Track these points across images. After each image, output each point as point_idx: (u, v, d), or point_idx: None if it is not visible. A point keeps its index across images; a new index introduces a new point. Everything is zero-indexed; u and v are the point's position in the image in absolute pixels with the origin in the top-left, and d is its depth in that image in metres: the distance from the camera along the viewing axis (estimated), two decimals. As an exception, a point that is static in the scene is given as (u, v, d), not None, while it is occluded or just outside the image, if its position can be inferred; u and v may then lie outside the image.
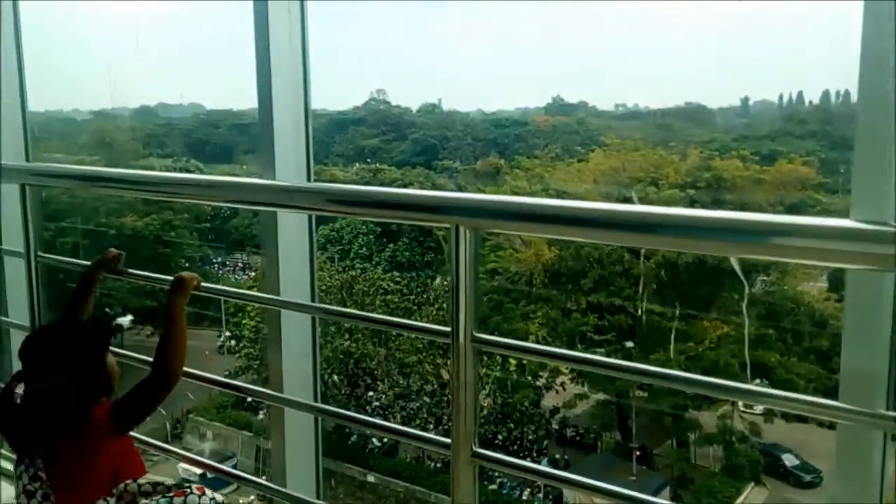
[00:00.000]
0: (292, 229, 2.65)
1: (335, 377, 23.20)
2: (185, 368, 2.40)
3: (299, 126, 2.55)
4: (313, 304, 2.50)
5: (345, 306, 22.93)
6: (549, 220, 1.91)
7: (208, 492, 2.24)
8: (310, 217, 2.65)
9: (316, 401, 2.75)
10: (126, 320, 25.91)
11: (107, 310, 25.21)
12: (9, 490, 3.46)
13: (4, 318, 3.45)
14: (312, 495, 2.86)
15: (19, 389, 2.13)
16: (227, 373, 23.90)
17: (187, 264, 26.87)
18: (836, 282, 19.38)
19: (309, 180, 2.57)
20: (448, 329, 2.03)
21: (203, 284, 2.46)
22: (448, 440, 2.09)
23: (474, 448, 2.06)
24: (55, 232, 23.66)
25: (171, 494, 2.18)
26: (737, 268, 19.91)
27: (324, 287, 23.26)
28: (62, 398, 2.11)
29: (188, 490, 2.20)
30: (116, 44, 32.10)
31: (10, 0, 3.66)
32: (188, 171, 28.81)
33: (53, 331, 2.26)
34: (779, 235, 1.52)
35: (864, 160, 1.63)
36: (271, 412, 2.73)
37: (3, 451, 3.53)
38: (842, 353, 1.67)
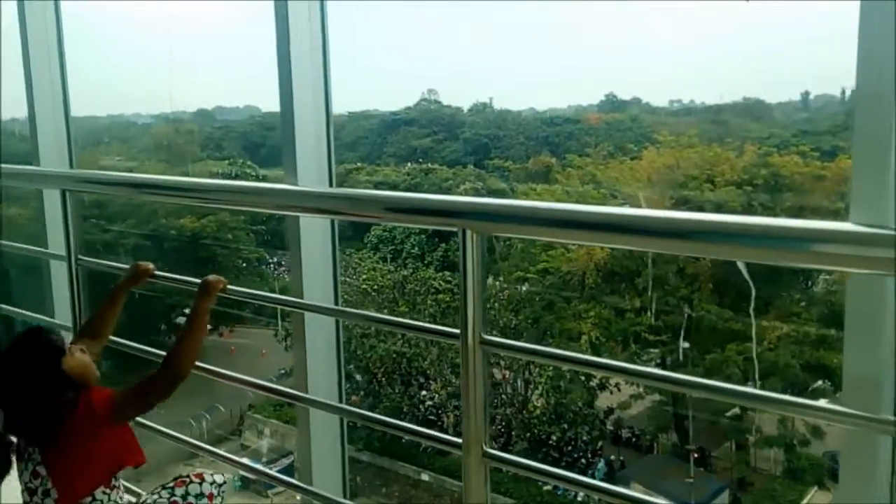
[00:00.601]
0: (316, 232, 2.71)
1: (387, 376, 23.38)
2: (212, 367, 2.49)
3: (321, 131, 2.60)
4: (323, 306, 2.55)
5: (396, 306, 23.13)
6: (556, 224, 1.93)
7: (207, 476, 2.31)
8: (332, 221, 2.71)
9: (341, 401, 2.81)
10: None
11: (173, 316, 25.87)
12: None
13: (50, 319, 3.60)
14: (339, 494, 2.92)
15: None
16: (282, 371, 24.39)
17: (244, 265, 27.45)
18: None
19: (331, 185, 2.63)
20: (457, 331, 2.07)
21: (229, 287, 2.53)
22: (459, 440, 2.12)
23: (485, 448, 2.09)
24: (116, 234, 24.41)
25: (171, 485, 2.26)
26: (744, 271, 19.37)
27: (376, 286, 23.50)
28: (32, 420, 2.18)
29: (187, 479, 2.27)
30: (176, 48, 32.95)
31: (51, 2, 3.73)
32: (244, 172, 29.44)
33: (6, 357, 2.29)
34: (774, 240, 1.51)
35: (863, 160, 1.59)
36: (297, 411, 2.79)
37: None
38: (844, 357, 1.64)
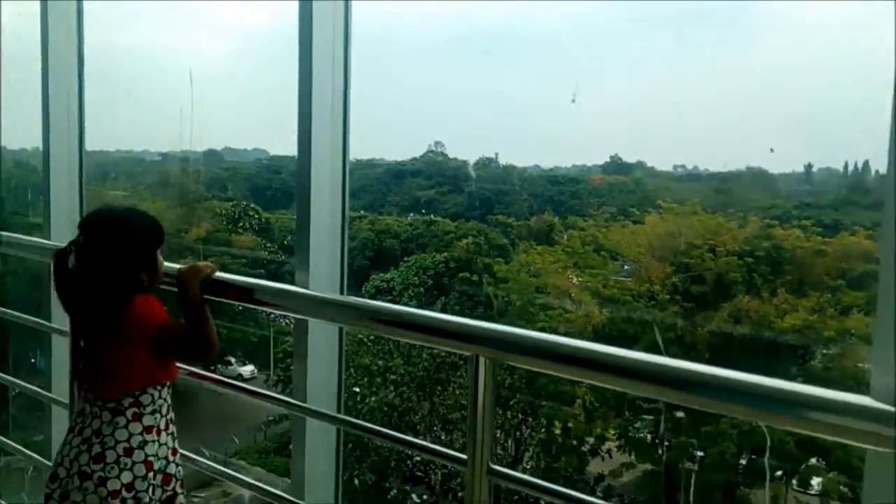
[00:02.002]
0: (324, 333, 2.69)
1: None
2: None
3: (335, 237, 2.61)
4: (325, 412, 2.51)
5: (391, 358, 22.98)
6: (569, 362, 1.91)
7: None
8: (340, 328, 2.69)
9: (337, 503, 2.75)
10: (247, 370, 26.35)
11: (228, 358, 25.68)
12: None
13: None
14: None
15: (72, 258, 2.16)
16: (270, 418, 24.13)
17: (241, 308, 27.17)
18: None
19: (342, 291, 2.61)
20: (464, 457, 2.03)
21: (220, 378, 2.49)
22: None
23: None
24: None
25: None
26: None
27: (371, 337, 23.35)
28: (109, 272, 2.15)
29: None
30: (189, 87, 33.25)
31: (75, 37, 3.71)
32: (248, 215, 29.50)
33: (116, 212, 2.31)
34: (785, 405, 1.51)
35: (889, 321, 1.53)
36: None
37: None
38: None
